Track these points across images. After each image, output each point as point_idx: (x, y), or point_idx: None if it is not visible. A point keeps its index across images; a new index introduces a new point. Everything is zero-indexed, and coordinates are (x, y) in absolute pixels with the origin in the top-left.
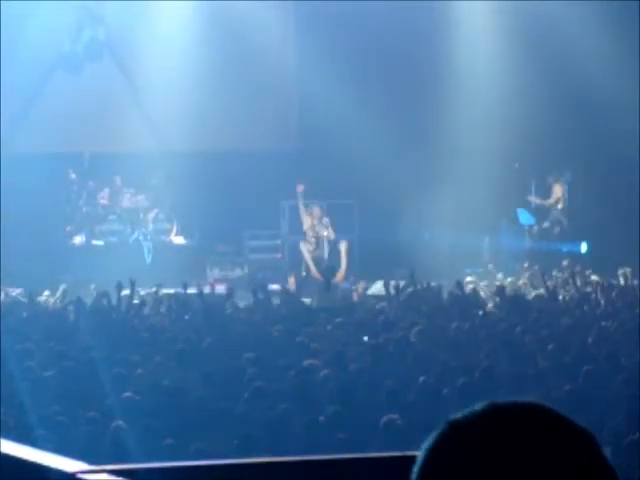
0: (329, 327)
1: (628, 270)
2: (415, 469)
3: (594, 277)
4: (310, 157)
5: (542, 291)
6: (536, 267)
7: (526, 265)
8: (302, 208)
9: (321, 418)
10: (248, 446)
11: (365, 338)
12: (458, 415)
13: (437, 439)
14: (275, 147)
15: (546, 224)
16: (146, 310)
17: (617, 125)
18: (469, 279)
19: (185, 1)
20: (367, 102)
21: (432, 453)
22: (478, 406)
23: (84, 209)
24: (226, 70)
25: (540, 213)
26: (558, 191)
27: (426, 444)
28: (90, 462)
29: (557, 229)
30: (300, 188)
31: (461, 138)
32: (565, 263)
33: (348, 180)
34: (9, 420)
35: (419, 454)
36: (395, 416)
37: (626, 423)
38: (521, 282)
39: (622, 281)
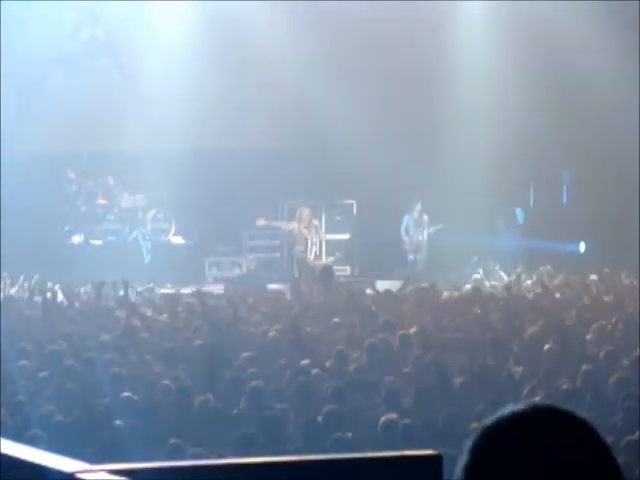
0: (328, 327)
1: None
2: (466, 457)
3: (592, 276)
4: (309, 156)
5: (540, 290)
6: (535, 266)
7: (525, 264)
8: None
9: (319, 418)
10: (247, 446)
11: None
12: (505, 412)
13: (487, 431)
14: (274, 147)
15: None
16: (144, 309)
17: (616, 125)
18: (471, 278)
19: (184, 1)
20: (367, 102)
21: (484, 441)
22: (520, 405)
23: (82, 209)
24: (225, 69)
25: (539, 213)
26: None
27: (476, 434)
28: (89, 461)
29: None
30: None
31: (461, 138)
32: (548, 267)
33: (348, 180)
34: (8, 420)
35: (468, 443)
36: (394, 416)
37: (625, 423)
38: (520, 281)
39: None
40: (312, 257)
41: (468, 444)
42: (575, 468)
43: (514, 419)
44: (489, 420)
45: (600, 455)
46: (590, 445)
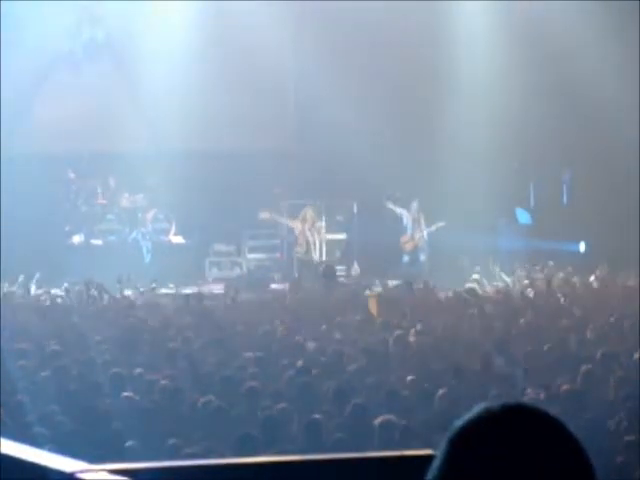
0: (328, 327)
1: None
2: (438, 459)
3: (592, 276)
4: (309, 157)
5: (540, 290)
6: (535, 266)
7: (525, 265)
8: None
9: (319, 418)
10: (246, 446)
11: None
12: (474, 412)
13: (457, 432)
14: (274, 147)
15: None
16: (144, 309)
17: (617, 125)
18: (470, 277)
19: (184, 1)
20: (366, 102)
21: (454, 443)
22: (491, 405)
23: (83, 209)
24: (225, 70)
25: (540, 213)
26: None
27: (448, 436)
28: (89, 461)
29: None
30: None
31: (461, 138)
32: (549, 267)
33: (347, 179)
34: (8, 419)
35: (441, 445)
36: (391, 416)
37: (625, 423)
38: (520, 281)
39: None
40: (314, 258)
41: (441, 446)
42: (547, 467)
43: (483, 419)
44: (459, 421)
45: (572, 453)
46: (561, 443)
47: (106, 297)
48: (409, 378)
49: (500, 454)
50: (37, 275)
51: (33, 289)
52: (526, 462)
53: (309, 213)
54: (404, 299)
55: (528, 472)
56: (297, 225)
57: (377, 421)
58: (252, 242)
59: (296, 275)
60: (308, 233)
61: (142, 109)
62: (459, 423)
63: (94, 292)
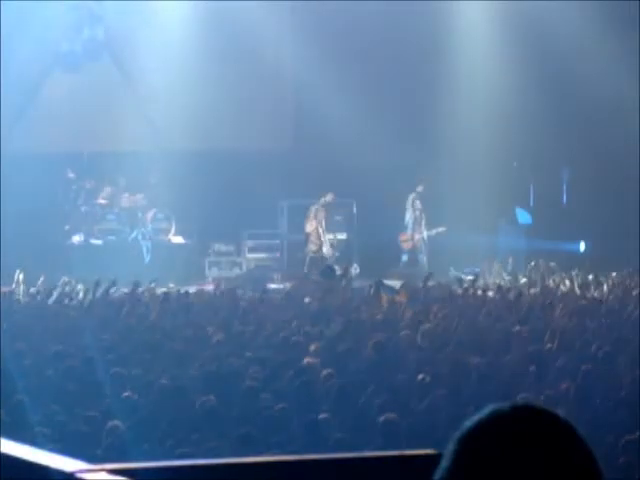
0: (330, 326)
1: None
2: (446, 459)
3: (591, 276)
4: (308, 156)
5: (540, 289)
6: (534, 266)
7: (524, 264)
8: (312, 213)
9: (320, 417)
10: (246, 446)
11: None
12: (484, 413)
13: (467, 433)
14: (273, 146)
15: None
16: (144, 309)
17: (617, 125)
18: (469, 278)
19: (184, 1)
20: (365, 101)
21: (464, 443)
22: (500, 406)
23: (83, 208)
24: (224, 70)
25: (539, 212)
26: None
27: (456, 436)
28: (89, 461)
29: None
30: (330, 197)
31: (460, 137)
32: (533, 263)
33: (346, 179)
34: (8, 419)
35: (449, 445)
36: (393, 415)
37: (626, 423)
38: (519, 281)
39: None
40: (326, 256)
41: (449, 446)
42: (555, 468)
43: (493, 420)
44: (468, 421)
45: (580, 454)
46: (569, 444)
47: (113, 294)
48: (410, 378)
49: (509, 454)
50: (37, 275)
51: (32, 289)
52: (534, 463)
53: (320, 212)
54: (405, 298)
55: (536, 473)
56: (312, 223)
57: (380, 419)
58: (252, 242)
59: (305, 271)
60: (320, 231)
61: (142, 109)
62: (468, 423)
63: (110, 289)
